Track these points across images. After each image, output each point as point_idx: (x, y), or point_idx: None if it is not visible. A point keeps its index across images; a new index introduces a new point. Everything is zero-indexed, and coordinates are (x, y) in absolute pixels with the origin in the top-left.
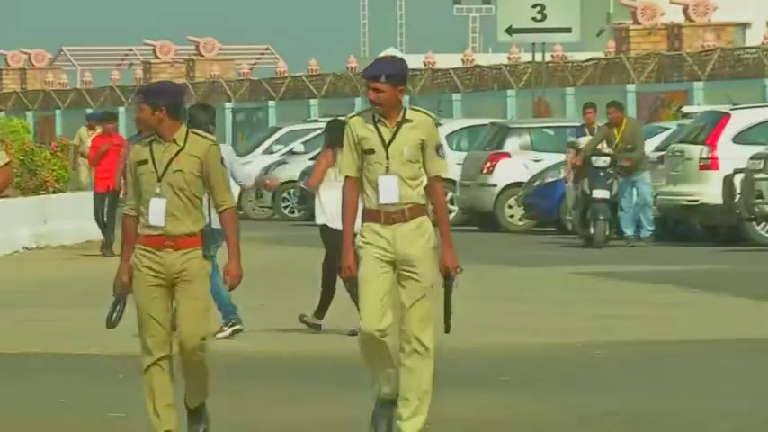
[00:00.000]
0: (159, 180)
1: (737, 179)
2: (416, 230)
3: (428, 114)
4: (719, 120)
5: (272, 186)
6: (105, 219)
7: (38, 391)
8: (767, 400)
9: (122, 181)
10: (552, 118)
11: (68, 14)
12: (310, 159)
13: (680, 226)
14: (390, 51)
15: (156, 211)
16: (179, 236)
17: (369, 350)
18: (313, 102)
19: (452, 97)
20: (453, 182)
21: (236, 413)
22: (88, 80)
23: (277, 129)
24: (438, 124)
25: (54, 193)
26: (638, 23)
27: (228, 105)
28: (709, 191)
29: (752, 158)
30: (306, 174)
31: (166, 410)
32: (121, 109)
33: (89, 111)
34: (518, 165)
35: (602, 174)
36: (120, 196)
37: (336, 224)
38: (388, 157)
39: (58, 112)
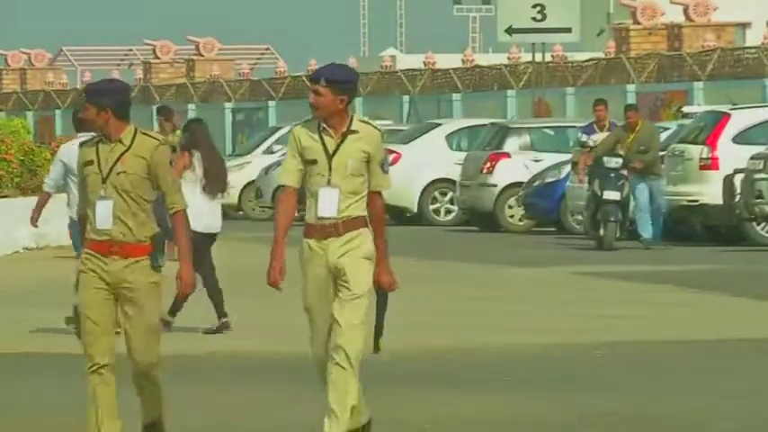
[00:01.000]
0: (104, 182)
1: (737, 179)
2: (349, 242)
3: (375, 127)
4: (719, 120)
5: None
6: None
7: (38, 391)
8: (767, 400)
9: None
10: (552, 118)
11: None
12: None
13: (680, 226)
14: (390, 51)
15: (102, 214)
16: (126, 243)
17: (324, 376)
18: None
19: (452, 97)
20: (453, 182)
21: (237, 413)
22: (88, 80)
23: (277, 129)
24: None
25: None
26: (638, 23)
27: (228, 105)
28: (709, 191)
29: (752, 158)
30: None
31: (109, 423)
32: None
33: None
34: (518, 165)
35: (613, 175)
36: None
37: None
38: (330, 169)
39: (57, 112)
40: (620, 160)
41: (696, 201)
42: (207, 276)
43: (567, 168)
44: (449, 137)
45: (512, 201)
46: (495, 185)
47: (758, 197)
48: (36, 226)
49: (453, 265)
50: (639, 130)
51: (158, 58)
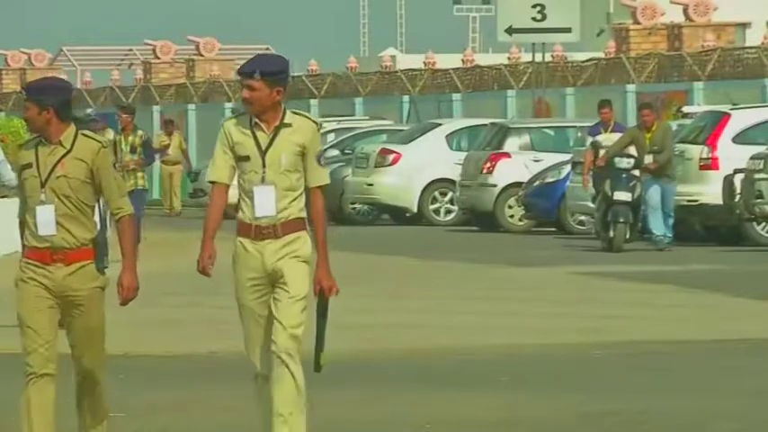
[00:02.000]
0: (43, 186)
1: (737, 179)
2: (288, 246)
3: (310, 119)
4: (719, 120)
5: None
6: None
7: None
8: (767, 400)
9: None
10: (552, 118)
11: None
12: None
13: (680, 226)
14: (390, 51)
15: (44, 220)
16: (68, 248)
17: (267, 397)
18: (313, 102)
19: (452, 97)
20: (453, 182)
21: (237, 413)
22: (88, 80)
23: None
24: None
25: None
26: (638, 23)
27: (228, 105)
28: (709, 191)
29: (752, 158)
30: None
31: None
32: None
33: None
34: (518, 165)
35: (624, 176)
36: None
37: None
38: (264, 165)
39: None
40: (631, 161)
41: (696, 201)
42: None
43: (567, 168)
44: (449, 137)
45: (512, 201)
46: (495, 185)
47: (758, 197)
48: None
49: (453, 265)
50: (655, 129)
51: (158, 58)
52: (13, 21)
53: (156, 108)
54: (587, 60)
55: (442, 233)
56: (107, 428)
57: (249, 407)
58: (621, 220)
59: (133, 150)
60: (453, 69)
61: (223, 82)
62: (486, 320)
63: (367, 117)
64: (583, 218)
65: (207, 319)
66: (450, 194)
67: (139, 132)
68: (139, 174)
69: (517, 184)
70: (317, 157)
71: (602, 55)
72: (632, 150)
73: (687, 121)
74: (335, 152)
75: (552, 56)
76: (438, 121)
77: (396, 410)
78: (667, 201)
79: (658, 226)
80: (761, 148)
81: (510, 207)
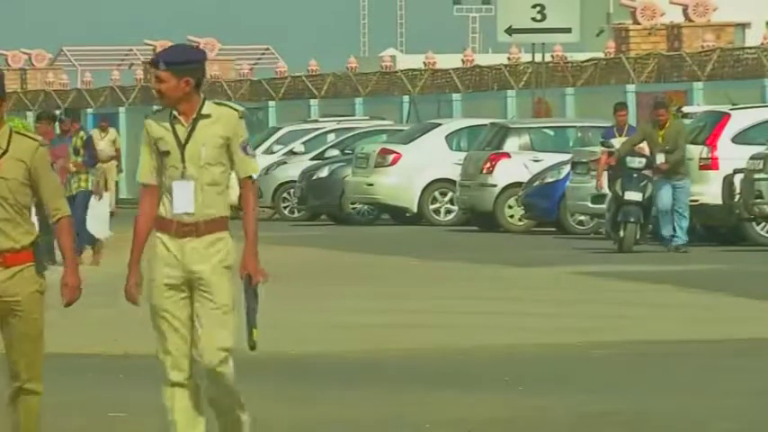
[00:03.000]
0: None
1: (737, 179)
2: (210, 247)
3: (231, 107)
4: (719, 120)
5: None
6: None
7: None
8: (767, 400)
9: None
10: (552, 118)
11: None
12: (311, 159)
13: None
14: (390, 51)
15: None
16: (7, 251)
17: (181, 406)
18: (313, 102)
19: (452, 97)
20: (453, 182)
21: None
22: (88, 80)
23: (277, 129)
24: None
25: None
26: (638, 23)
27: None
28: (709, 191)
29: (752, 158)
30: (305, 173)
31: None
32: (122, 109)
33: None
34: (518, 165)
35: (635, 175)
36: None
37: None
38: (183, 160)
39: (58, 112)
40: (643, 160)
41: (696, 201)
42: None
43: (567, 168)
44: (449, 137)
45: (512, 201)
46: (495, 185)
47: (758, 197)
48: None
49: (453, 265)
50: (668, 127)
51: None
52: (13, 21)
53: (156, 108)
54: (587, 60)
55: (442, 233)
56: None
57: (249, 407)
58: (632, 220)
59: (76, 152)
60: (453, 69)
61: (223, 82)
62: (485, 320)
63: (367, 117)
64: (582, 218)
65: None
66: (450, 194)
67: (80, 133)
68: (83, 176)
69: (517, 184)
70: (242, 146)
71: (601, 55)
72: (644, 148)
73: (687, 122)
74: (335, 152)
75: (552, 56)
76: (438, 121)
77: (396, 410)
78: (681, 199)
79: (667, 228)
80: (760, 148)
81: (510, 207)
